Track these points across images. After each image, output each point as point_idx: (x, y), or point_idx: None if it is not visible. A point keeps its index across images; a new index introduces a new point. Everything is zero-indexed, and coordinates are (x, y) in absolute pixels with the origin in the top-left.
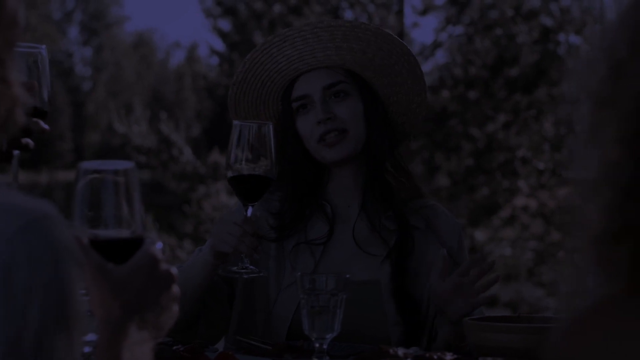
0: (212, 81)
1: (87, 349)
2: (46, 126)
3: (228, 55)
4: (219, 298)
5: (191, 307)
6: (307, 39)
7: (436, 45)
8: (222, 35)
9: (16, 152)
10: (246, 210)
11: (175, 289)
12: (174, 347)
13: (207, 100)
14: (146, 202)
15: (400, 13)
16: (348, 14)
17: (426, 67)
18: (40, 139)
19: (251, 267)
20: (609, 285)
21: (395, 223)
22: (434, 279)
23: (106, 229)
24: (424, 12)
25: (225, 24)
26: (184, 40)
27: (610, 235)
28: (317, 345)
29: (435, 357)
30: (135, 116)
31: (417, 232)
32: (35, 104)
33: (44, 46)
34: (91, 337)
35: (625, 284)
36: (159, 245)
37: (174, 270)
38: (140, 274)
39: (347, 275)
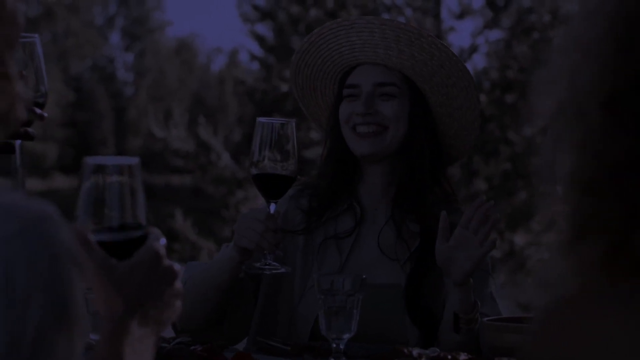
0: (250, 86)
1: None
2: (45, 113)
3: (265, 59)
4: (245, 296)
5: (217, 302)
6: (374, 32)
7: (473, 49)
8: (259, 39)
9: (18, 142)
10: (269, 207)
11: (178, 284)
12: (192, 347)
13: (248, 105)
14: (186, 206)
15: (437, 17)
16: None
17: None
18: (84, 145)
19: (274, 263)
20: (584, 278)
21: (419, 227)
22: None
23: (110, 225)
24: (460, 16)
25: (262, 29)
26: (225, 45)
27: (581, 234)
28: (334, 345)
29: (449, 357)
30: (174, 120)
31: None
32: (34, 92)
33: (36, 35)
34: (94, 337)
35: (601, 275)
36: (162, 241)
37: (176, 266)
38: (142, 270)
39: (364, 276)
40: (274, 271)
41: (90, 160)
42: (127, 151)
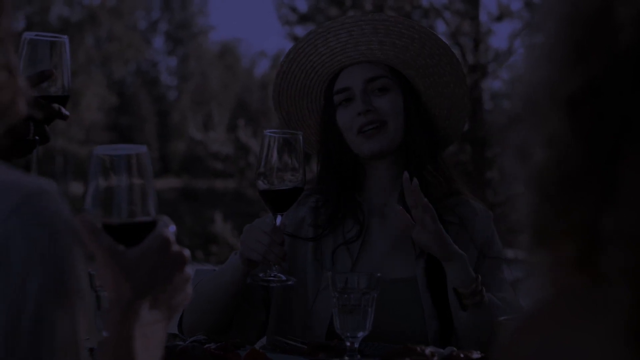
0: None
1: None
2: (67, 112)
3: None
4: (253, 301)
5: (223, 310)
6: (352, 32)
7: (512, 51)
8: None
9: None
10: (275, 219)
11: (188, 270)
12: (206, 345)
13: None
14: (228, 210)
15: (475, 19)
16: (425, 23)
17: (503, 74)
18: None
19: (280, 275)
20: (558, 282)
21: None
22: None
23: (119, 213)
24: (499, 18)
25: (302, 32)
26: (269, 49)
27: (538, 240)
28: (348, 344)
29: (462, 355)
30: (214, 123)
31: (452, 228)
32: (57, 91)
33: (66, 36)
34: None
35: (574, 279)
36: (172, 228)
37: (186, 252)
38: (151, 256)
39: (379, 274)
40: (279, 284)
41: (98, 150)
42: (170, 155)
